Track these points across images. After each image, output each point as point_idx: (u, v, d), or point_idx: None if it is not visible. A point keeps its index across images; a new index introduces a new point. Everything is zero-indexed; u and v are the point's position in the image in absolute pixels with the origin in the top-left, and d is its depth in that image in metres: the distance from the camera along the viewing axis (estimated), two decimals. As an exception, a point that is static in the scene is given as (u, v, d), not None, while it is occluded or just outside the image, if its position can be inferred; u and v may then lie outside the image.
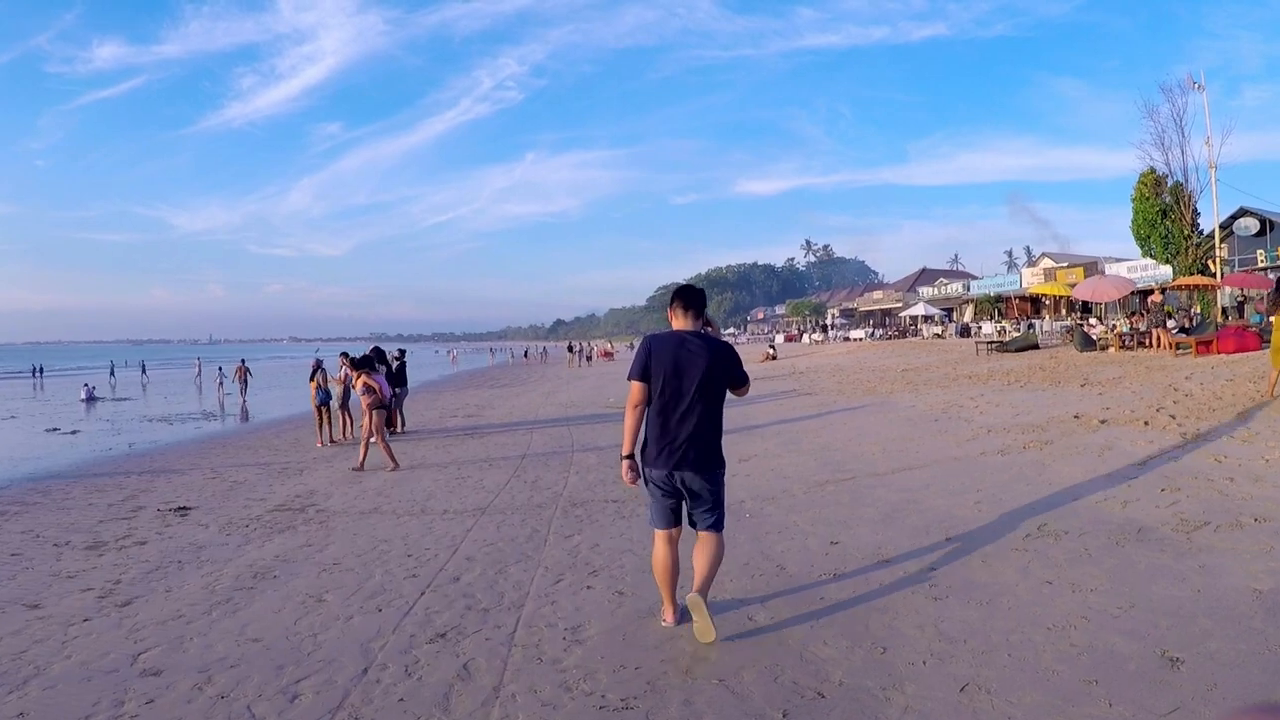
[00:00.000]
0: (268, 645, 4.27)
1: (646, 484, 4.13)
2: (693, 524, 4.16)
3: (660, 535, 4.17)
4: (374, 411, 10.48)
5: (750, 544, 5.84)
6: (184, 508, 8.32)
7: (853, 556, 5.43)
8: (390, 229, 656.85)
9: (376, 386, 10.55)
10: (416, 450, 12.43)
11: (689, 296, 4.21)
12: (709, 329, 4.28)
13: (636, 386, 4.09)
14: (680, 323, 4.19)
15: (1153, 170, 31.09)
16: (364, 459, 10.48)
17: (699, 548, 4.12)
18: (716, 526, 4.11)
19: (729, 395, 4.23)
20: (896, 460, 9.06)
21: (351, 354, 14.39)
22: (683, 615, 4.24)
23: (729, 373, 4.12)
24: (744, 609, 4.51)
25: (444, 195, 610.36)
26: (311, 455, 12.27)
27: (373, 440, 10.38)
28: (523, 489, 8.67)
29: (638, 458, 4.11)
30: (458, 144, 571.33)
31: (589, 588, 5.04)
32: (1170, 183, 30.89)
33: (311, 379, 13.99)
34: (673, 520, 4.15)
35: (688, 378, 4.01)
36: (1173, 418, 9.64)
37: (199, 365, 39.49)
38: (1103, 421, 9.97)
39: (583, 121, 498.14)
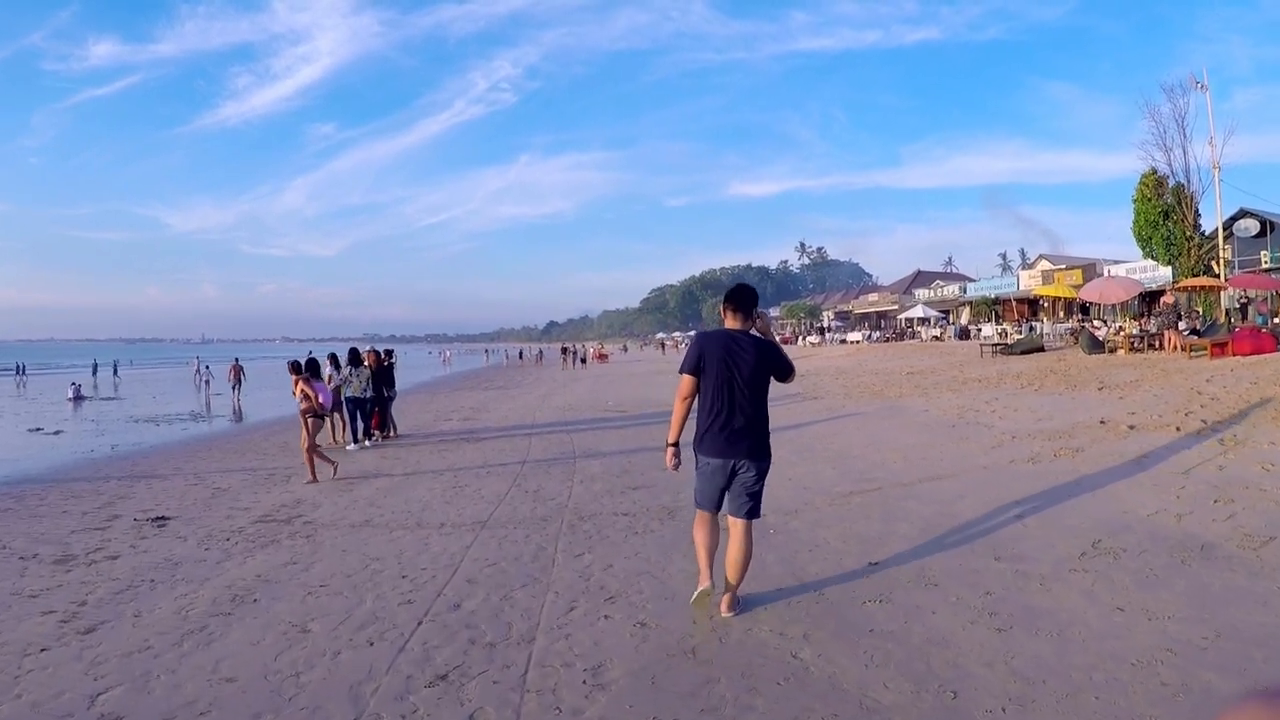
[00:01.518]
0: (243, 687, 3.73)
1: (701, 470, 4.38)
2: (728, 510, 4.41)
3: (703, 515, 4.45)
4: (307, 420, 9.91)
5: (780, 566, 5.32)
6: (162, 517, 7.77)
7: (896, 579, 4.92)
8: (384, 229, 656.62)
9: (313, 394, 9.96)
10: (411, 456, 11.90)
11: (739, 298, 4.46)
12: (759, 325, 4.51)
13: (687, 379, 4.37)
14: (731, 322, 4.45)
15: (1154, 171, 30.79)
16: (333, 465, 10.01)
17: (734, 541, 4.36)
18: (753, 514, 4.38)
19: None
20: (921, 469, 8.57)
21: (339, 355, 13.85)
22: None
23: (774, 366, 4.40)
24: (786, 643, 3.99)
25: (438, 196, 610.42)
26: (299, 460, 11.66)
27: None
28: (524, 500, 8.13)
29: (681, 447, 4.46)
30: (452, 145, 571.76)
31: (606, 617, 4.49)
32: (1172, 183, 30.60)
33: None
34: (718, 504, 4.42)
35: (739, 373, 4.27)
36: (1204, 423, 9.20)
37: (198, 364, 38.08)
38: (1131, 427, 9.52)
39: (576, 124, 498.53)
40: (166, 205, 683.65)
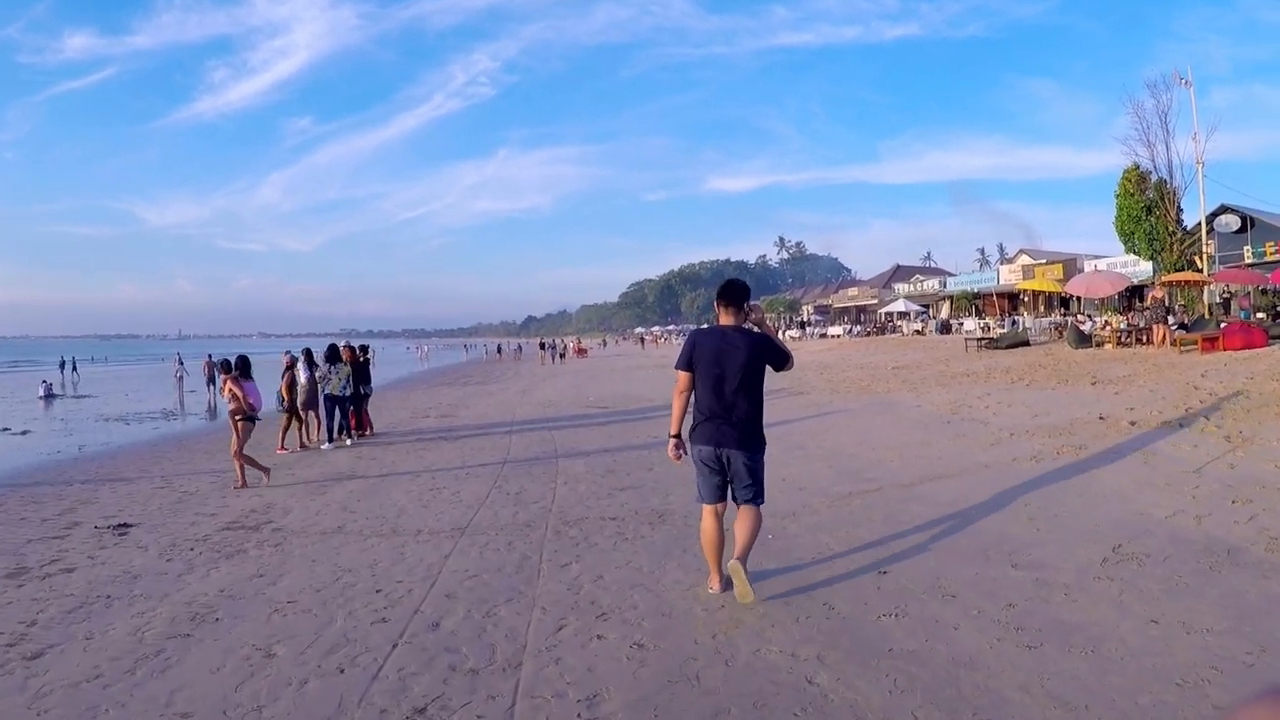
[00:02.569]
0: (197, 724, 3.33)
1: (696, 462, 4.50)
2: (734, 499, 4.52)
3: (708, 510, 4.55)
4: (237, 423, 9.36)
5: (784, 575, 4.96)
6: (124, 525, 7.32)
7: (910, 590, 4.59)
8: (361, 224, 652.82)
9: (241, 394, 9.42)
10: (386, 455, 11.46)
11: (730, 294, 4.54)
12: (753, 316, 4.57)
13: (683, 376, 4.51)
14: (725, 318, 4.55)
15: (1137, 166, 30.84)
16: (266, 471, 9.57)
17: (740, 521, 4.47)
18: (756, 500, 4.49)
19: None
20: (920, 468, 8.25)
21: (314, 351, 13.37)
22: (727, 584, 4.56)
23: (769, 358, 4.51)
24: (799, 666, 3.64)
25: (415, 191, 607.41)
26: (272, 461, 11.18)
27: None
28: (506, 503, 7.72)
29: (684, 438, 4.56)
30: (430, 139, 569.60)
31: (599, 637, 4.11)
32: (1154, 179, 30.66)
33: (283, 377, 12.88)
34: (720, 495, 4.52)
35: (729, 368, 4.38)
36: (1207, 419, 8.97)
37: (179, 361, 36.55)
38: (1132, 423, 9.27)
39: (555, 118, 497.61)
40: (143, 200, 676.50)
